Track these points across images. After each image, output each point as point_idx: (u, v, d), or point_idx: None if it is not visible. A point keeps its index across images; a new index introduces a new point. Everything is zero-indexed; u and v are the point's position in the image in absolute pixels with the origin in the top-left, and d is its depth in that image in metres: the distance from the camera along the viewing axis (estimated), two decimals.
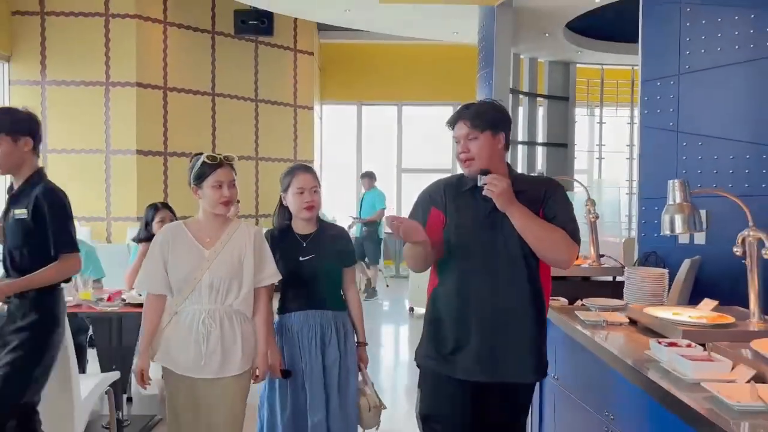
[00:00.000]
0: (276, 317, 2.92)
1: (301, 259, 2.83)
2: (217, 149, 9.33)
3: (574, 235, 2.27)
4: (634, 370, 2.09)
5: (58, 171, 8.33)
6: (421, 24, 8.66)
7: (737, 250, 2.51)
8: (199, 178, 2.61)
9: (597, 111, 10.28)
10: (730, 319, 2.40)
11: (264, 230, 2.90)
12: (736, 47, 4.47)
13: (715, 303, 2.61)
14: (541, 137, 9.07)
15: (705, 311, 2.51)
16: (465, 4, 6.82)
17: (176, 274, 2.59)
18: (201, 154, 2.67)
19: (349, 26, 9.33)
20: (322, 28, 11.38)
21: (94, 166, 8.70)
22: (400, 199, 12.61)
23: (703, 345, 2.13)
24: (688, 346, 2.08)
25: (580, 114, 10.05)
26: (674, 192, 2.59)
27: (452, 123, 2.39)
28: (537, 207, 2.28)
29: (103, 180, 8.72)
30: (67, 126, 8.75)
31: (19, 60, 8.70)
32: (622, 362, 2.19)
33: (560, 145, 9.11)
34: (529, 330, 2.30)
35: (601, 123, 9.92)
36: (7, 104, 8.52)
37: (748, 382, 1.76)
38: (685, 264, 3.33)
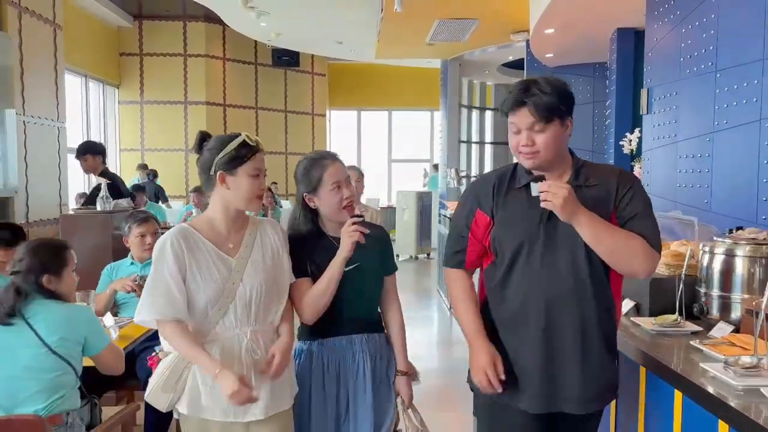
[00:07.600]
0: (297, 343, 2.13)
1: (345, 269, 2.02)
2: None
3: (654, 241, 1.73)
4: None
5: (152, 165, 11.28)
6: (405, 59, 11.49)
7: None
8: (234, 161, 1.87)
9: None
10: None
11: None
12: (579, 96, 7.78)
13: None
14: (489, 138, 11.88)
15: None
16: (431, 58, 9.86)
17: (204, 296, 1.84)
18: (228, 135, 1.91)
19: (352, 59, 12.29)
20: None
21: (177, 161, 11.45)
22: (391, 181, 14.64)
23: None
24: None
25: None
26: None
27: (513, 108, 1.75)
28: (609, 205, 1.76)
29: (183, 172, 11.50)
30: (158, 133, 11.49)
31: (125, 87, 11.42)
32: None
33: (504, 143, 12.06)
34: (596, 353, 1.78)
35: None
36: (117, 118, 11.54)
37: None
38: None
